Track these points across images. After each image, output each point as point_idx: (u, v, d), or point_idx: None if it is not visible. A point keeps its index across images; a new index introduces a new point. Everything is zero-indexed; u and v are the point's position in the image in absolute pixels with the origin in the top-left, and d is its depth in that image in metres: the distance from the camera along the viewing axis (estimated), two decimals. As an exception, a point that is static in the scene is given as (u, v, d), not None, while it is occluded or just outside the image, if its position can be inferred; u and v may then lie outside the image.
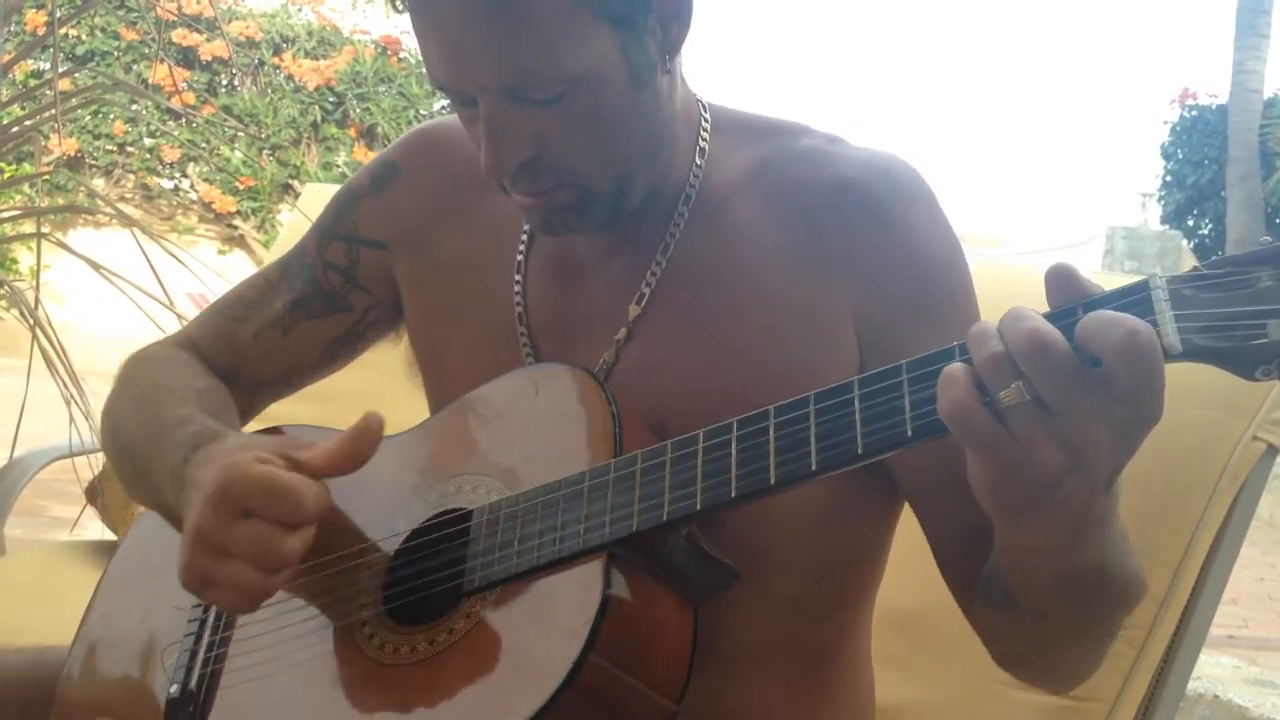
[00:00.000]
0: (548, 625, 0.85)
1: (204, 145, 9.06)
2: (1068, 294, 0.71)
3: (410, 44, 9.53)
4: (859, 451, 0.77)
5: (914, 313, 0.97)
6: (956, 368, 0.70)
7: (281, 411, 1.28)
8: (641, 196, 1.00)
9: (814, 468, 0.79)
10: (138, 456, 1.08)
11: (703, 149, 1.04)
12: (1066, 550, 0.77)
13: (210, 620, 1.05)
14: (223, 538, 0.88)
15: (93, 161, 9.26)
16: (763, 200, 1.01)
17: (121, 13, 8.98)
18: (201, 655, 1.03)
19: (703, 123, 1.05)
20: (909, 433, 0.75)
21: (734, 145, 1.05)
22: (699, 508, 0.83)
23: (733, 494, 0.82)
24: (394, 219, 1.17)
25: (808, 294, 0.98)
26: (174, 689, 1.01)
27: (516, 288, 1.08)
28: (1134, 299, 0.69)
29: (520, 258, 1.09)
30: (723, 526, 0.89)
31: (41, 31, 7.33)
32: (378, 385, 1.68)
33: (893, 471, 1.00)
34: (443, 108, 9.42)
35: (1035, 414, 0.68)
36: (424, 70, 10.30)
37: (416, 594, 0.94)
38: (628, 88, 0.93)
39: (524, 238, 1.10)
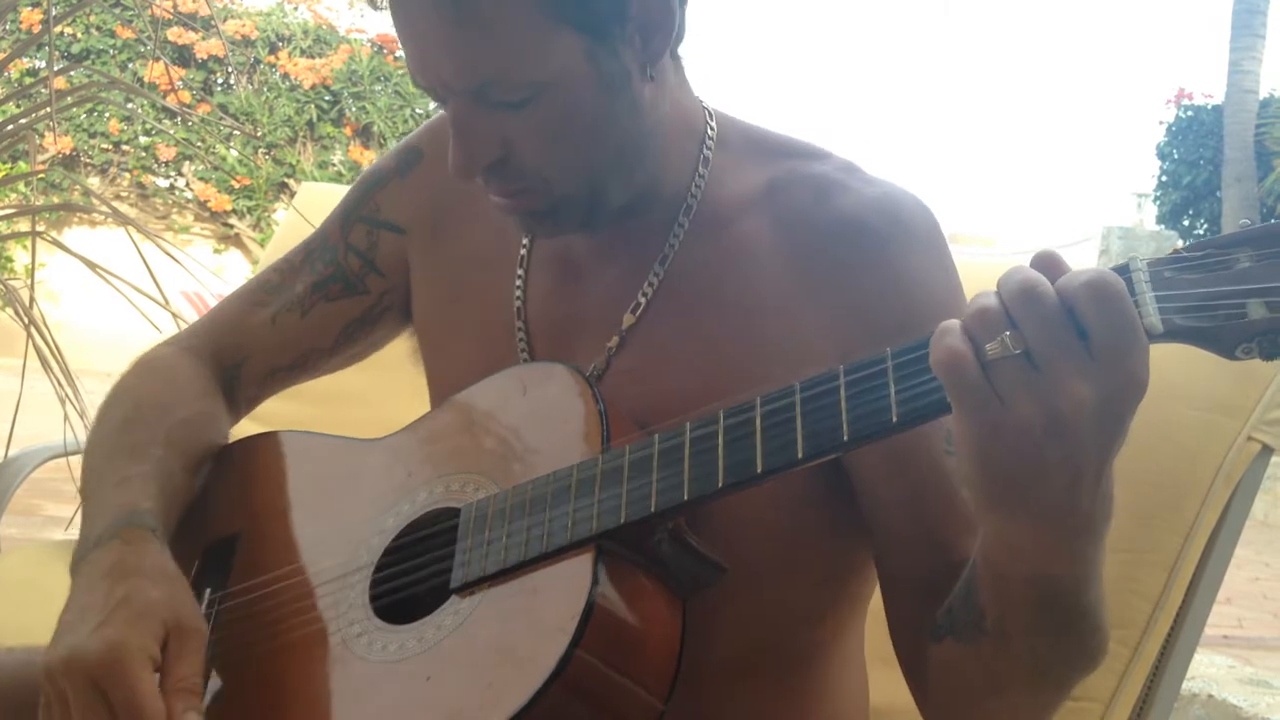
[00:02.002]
0: (536, 620, 0.85)
1: (199, 144, 9.05)
2: (1053, 275, 0.71)
3: (406, 43, 9.52)
4: (845, 439, 0.77)
5: None
6: (951, 321, 0.71)
7: (280, 412, 1.28)
8: (623, 201, 0.99)
9: (800, 455, 0.79)
10: (85, 483, 1.08)
11: (706, 159, 1.03)
12: (1048, 553, 0.75)
13: None
14: (73, 698, 0.89)
15: (88, 160, 9.26)
16: (769, 224, 1.00)
17: (117, 11, 8.98)
18: None
19: (708, 132, 1.04)
20: (894, 419, 0.75)
21: (743, 161, 1.04)
22: (686, 498, 0.83)
23: (720, 483, 0.82)
24: (413, 203, 1.17)
25: (800, 326, 0.97)
26: None
27: (518, 283, 1.08)
28: None
29: (524, 252, 1.09)
30: (710, 535, 0.89)
31: (37, 29, 7.31)
32: (372, 387, 1.68)
33: (862, 506, 0.98)
34: (438, 107, 9.42)
35: (1019, 369, 0.69)
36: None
37: (405, 591, 0.94)
38: (598, 96, 0.92)
39: None
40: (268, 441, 1.16)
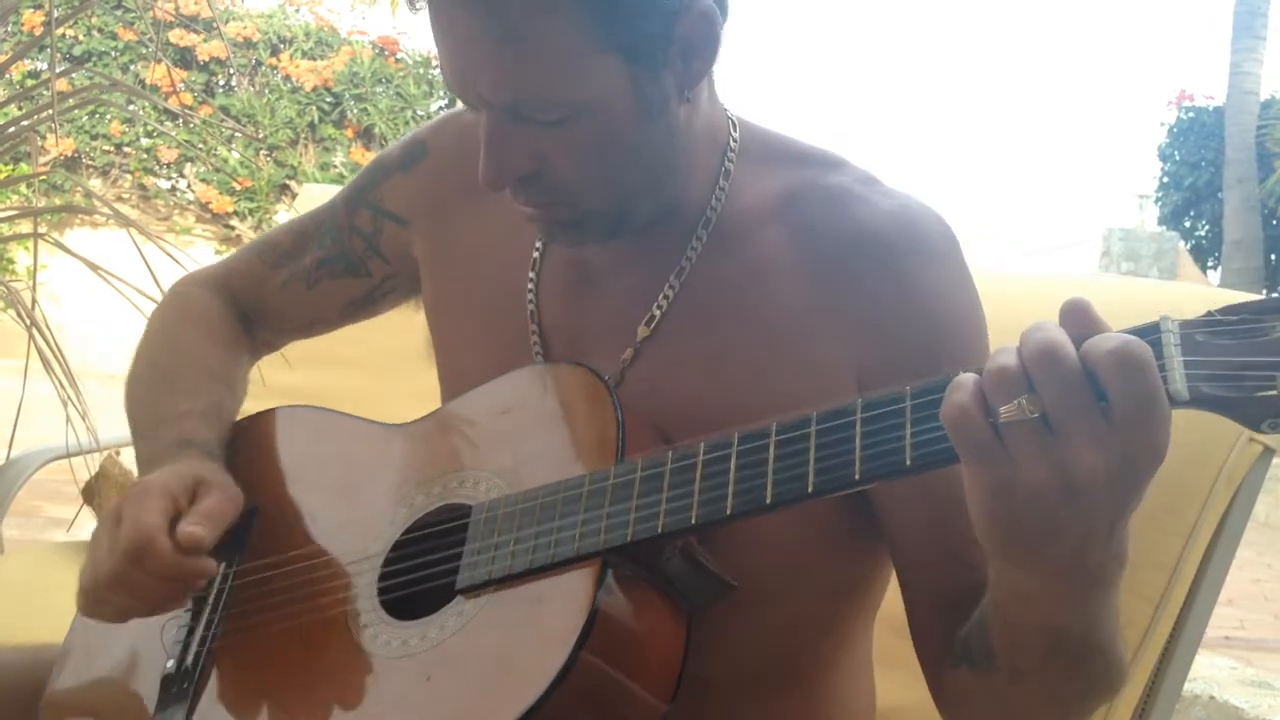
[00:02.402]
0: (538, 629, 0.85)
1: (201, 146, 9.06)
2: (1081, 328, 0.69)
3: (408, 44, 9.53)
4: (856, 478, 0.76)
5: (917, 376, 0.95)
6: (966, 376, 0.69)
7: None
8: (649, 217, 0.99)
9: (810, 490, 0.78)
10: (140, 419, 1.16)
11: (727, 170, 1.02)
12: (1058, 603, 0.75)
13: (210, 598, 1.05)
14: (97, 531, 1.02)
15: (89, 162, 9.27)
16: (786, 235, 0.99)
17: (119, 13, 8.99)
18: (200, 633, 1.03)
19: (730, 143, 1.03)
20: (908, 461, 0.74)
21: (761, 170, 1.02)
22: (694, 522, 0.82)
23: (728, 511, 0.81)
24: (417, 199, 1.18)
25: (815, 340, 0.96)
26: (170, 664, 1.02)
27: (530, 285, 1.08)
28: (1145, 341, 0.66)
29: (536, 255, 1.09)
30: (718, 549, 0.89)
31: (39, 32, 7.33)
32: (370, 390, 1.69)
33: (882, 523, 0.98)
34: (440, 108, 9.43)
35: (1033, 432, 0.67)
36: (421, 71, 10.30)
37: (412, 588, 0.94)
38: (635, 120, 0.91)
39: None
40: (292, 416, 1.17)
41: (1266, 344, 0.65)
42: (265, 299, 1.27)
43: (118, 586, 0.97)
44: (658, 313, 1.01)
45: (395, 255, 1.20)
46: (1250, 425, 0.66)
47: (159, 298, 1.92)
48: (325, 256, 1.23)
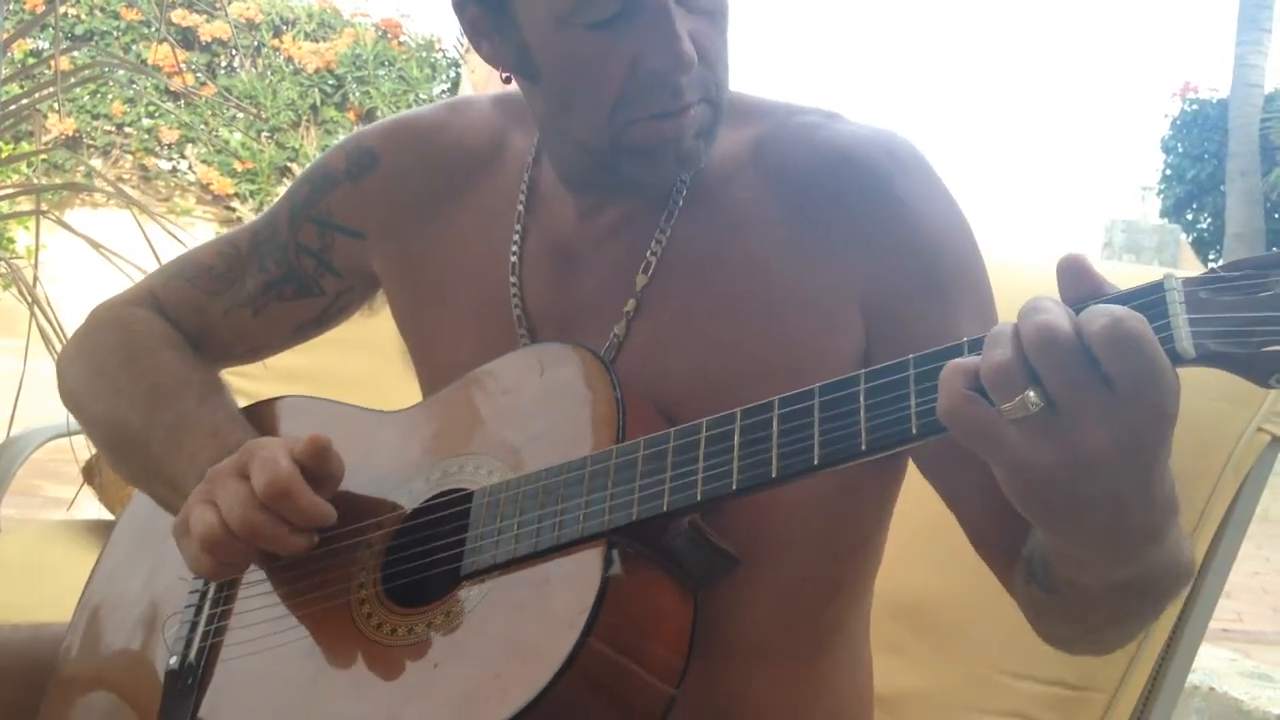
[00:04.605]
0: (545, 613, 0.85)
1: (203, 127, 9.03)
2: (1079, 288, 0.68)
3: (411, 27, 9.50)
4: (862, 449, 0.76)
5: (920, 290, 0.96)
6: (957, 365, 0.68)
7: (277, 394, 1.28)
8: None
9: (816, 463, 0.78)
10: (150, 455, 1.09)
11: None
12: (1111, 564, 0.74)
13: (211, 592, 1.04)
14: (213, 487, 0.95)
15: (90, 142, 9.24)
16: (761, 179, 1.00)
17: (121, -9, 8.96)
18: (202, 627, 1.03)
19: None
20: (914, 431, 0.73)
21: (728, 125, 1.02)
22: (699, 499, 0.82)
23: (734, 486, 0.81)
24: (372, 210, 1.15)
25: (810, 274, 0.97)
26: (173, 661, 1.02)
27: (512, 279, 1.07)
28: (1147, 300, 0.66)
29: (515, 247, 1.08)
30: (724, 512, 0.88)
31: (40, 10, 7.30)
32: (375, 374, 1.68)
33: (919, 461, 0.98)
34: (442, 92, 9.41)
35: (1036, 420, 0.66)
36: (424, 54, 10.23)
37: (415, 574, 0.94)
38: None
39: (518, 228, 1.08)
40: (285, 406, 1.16)
41: (1271, 299, 0.65)
42: (206, 328, 1.21)
43: (255, 536, 0.94)
44: (652, 259, 1.01)
45: (348, 269, 1.17)
46: (1258, 381, 0.66)
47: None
48: (271, 279, 1.19)
